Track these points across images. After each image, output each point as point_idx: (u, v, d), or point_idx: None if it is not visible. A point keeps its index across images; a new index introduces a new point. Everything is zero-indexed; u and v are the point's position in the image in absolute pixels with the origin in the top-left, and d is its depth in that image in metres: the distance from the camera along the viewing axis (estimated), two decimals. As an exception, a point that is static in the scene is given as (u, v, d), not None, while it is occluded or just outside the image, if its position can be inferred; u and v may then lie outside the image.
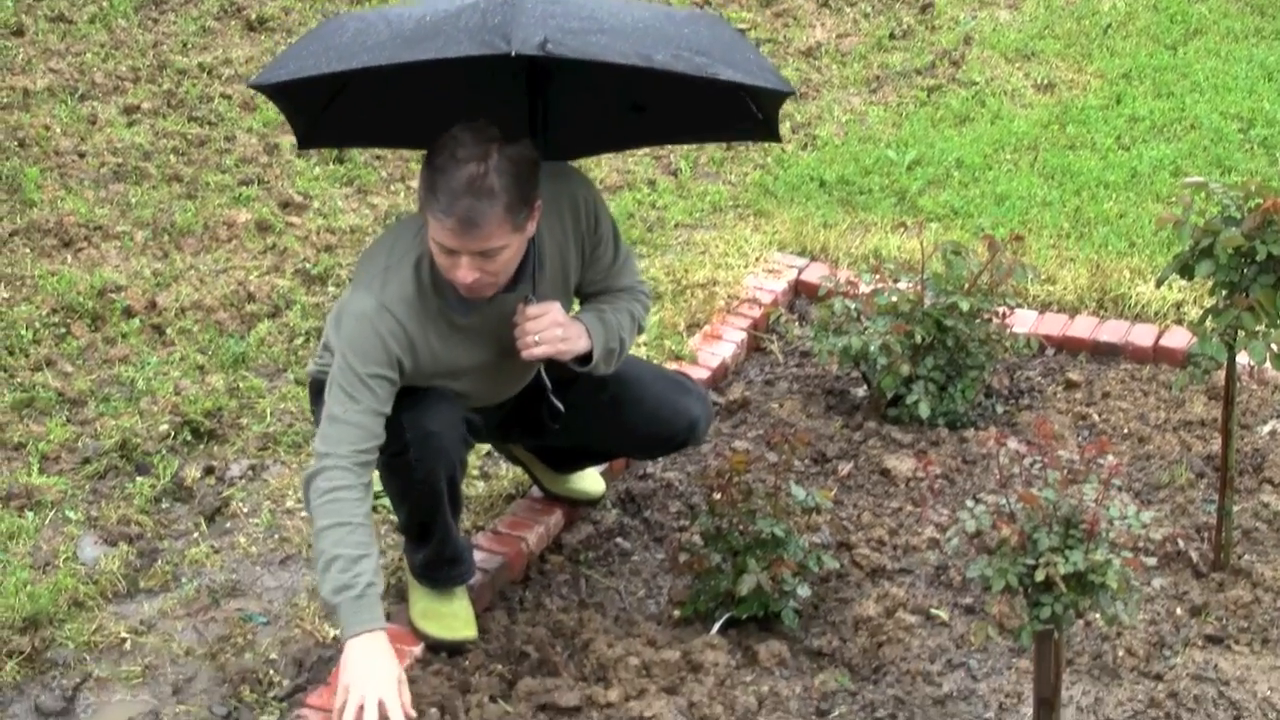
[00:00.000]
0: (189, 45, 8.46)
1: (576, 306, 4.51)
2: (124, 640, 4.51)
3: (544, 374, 4.51)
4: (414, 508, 4.35)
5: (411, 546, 4.48)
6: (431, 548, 4.42)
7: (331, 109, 4.42)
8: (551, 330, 4.20)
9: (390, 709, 3.81)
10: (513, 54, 3.73)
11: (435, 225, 3.94)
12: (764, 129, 4.63)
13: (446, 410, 4.24)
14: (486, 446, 5.15)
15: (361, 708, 3.77)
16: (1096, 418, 5.54)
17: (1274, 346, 4.23)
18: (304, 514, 5.02)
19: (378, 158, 7.65)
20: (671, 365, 5.67)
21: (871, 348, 5.39)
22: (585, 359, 4.33)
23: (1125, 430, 5.46)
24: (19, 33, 8.43)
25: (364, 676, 3.83)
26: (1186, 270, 4.30)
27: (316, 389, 4.36)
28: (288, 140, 7.61)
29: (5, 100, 7.73)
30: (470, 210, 3.88)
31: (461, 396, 4.32)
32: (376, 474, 4.20)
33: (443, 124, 4.04)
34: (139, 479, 5.18)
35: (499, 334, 4.25)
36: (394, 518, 4.64)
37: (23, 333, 5.93)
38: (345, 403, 4.05)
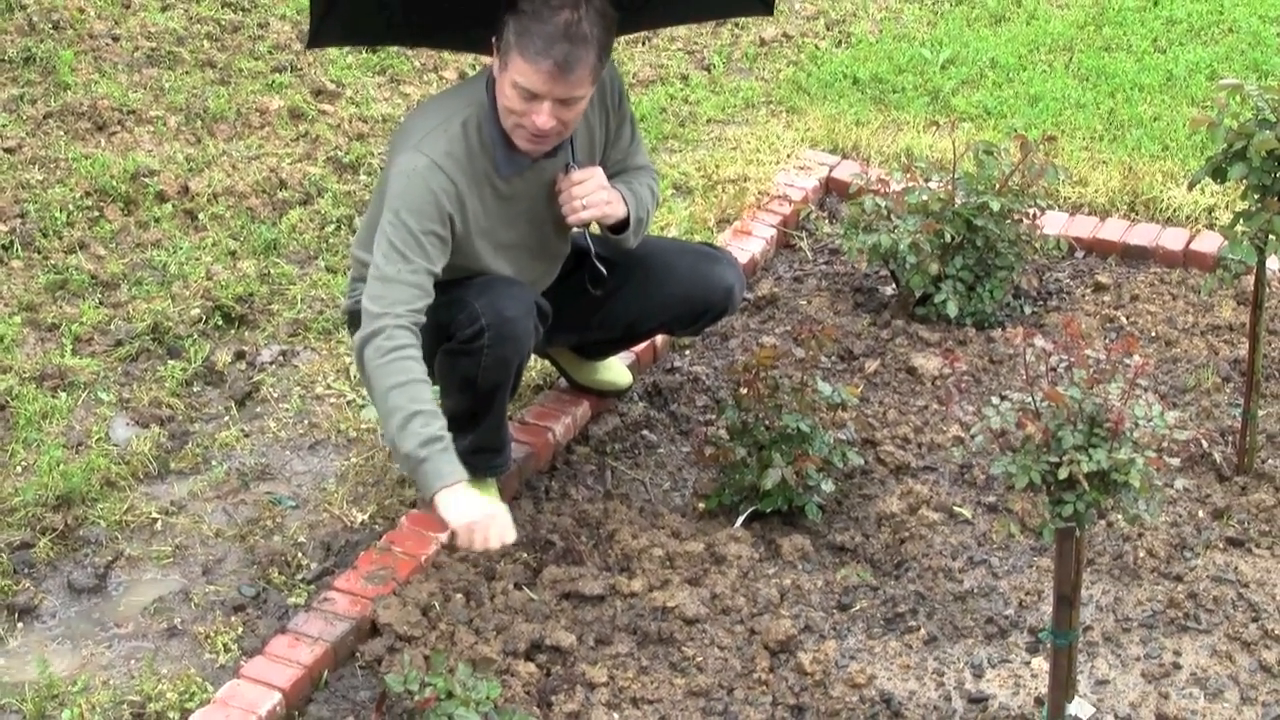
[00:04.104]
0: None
1: None
2: (155, 520, 4.55)
3: (589, 237, 4.53)
4: (475, 394, 4.31)
5: (455, 434, 4.47)
6: (479, 434, 4.40)
7: (339, 4, 4.40)
8: (597, 193, 4.27)
9: (509, 539, 3.91)
10: None
11: (525, 69, 3.95)
12: (761, 4, 4.75)
13: (521, 295, 4.25)
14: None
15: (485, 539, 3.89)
16: (1124, 320, 5.52)
17: (1305, 251, 4.21)
18: (333, 401, 5.05)
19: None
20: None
21: (901, 246, 5.38)
22: (619, 228, 4.39)
23: (1153, 333, 5.45)
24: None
25: (483, 514, 3.88)
26: (1219, 173, 4.27)
27: (355, 320, 4.34)
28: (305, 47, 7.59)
29: (40, -17, 7.72)
30: (567, 55, 3.92)
31: None
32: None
33: (441, 20, 4.06)
34: (170, 362, 5.21)
35: (540, 204, 4.31)
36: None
37: (56, 215, 5.94)
38: (399, 261, 4.04)
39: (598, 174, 4.30)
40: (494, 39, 4.05)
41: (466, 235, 4.18)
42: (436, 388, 4.20)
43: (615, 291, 4.62)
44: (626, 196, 4.38)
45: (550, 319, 4.41)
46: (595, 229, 4.53)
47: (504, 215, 4.26)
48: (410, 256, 4.04)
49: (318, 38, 4.44)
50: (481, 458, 4.44)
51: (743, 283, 4.82)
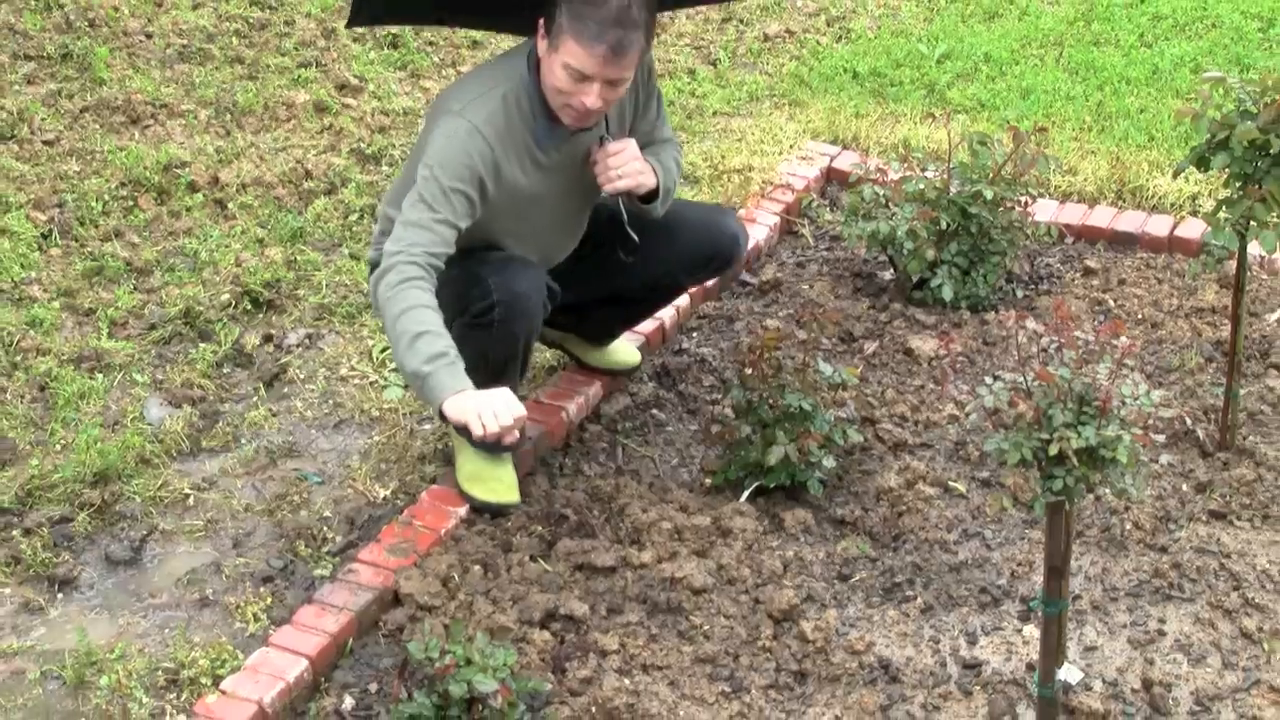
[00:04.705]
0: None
1: None
2: (187, 496, 4.55)
3: (623, 206, 4.54)
4: (488, 366, 4.26)
5: None
6: None
7: None
8: (631, 164, 4.30)
9: (519, 412, 3.88)
10: None
11: (579, 53, 3.98)
12: None
13: (533, 274, 4.26)
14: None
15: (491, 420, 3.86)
16: (1112, 303, 5.51)
17: (1285, 237, 4.20)
18: (357, 382, 5.05)
19: (430, 43, 7.60)
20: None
21: (899, 233, 5.37)
22: (648, 197, 4.43)
23: (1139, 315, 5.43)
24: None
25: (484, 397, 3.87)
26: (1203, 162, 4.26)
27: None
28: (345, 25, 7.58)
29: (76, -17, 7.71)
30: (621, 39, 3.97)
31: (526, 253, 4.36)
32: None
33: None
34: (202, 345, 5.21)
35: (574, 176, 4.33)
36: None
37: (93, 204, 5.95)
38: (424, 210, 4.04)
39: (631, 146, 4.32)
40: (540, 20, 4.07)
41: (499, 201, 4.19)
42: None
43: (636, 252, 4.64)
44: (656, 168, 4.41)
45: (559, 298, 4.39)
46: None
47: (540, 182, 4.27)
48: (436, 207, 4.04)
49: (358, 16, 4.44)
50: None
51: (746, 236, 4.85)
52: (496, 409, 3.85)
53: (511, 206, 4.25)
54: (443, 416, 3.93)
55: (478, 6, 4.47)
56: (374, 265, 4.35)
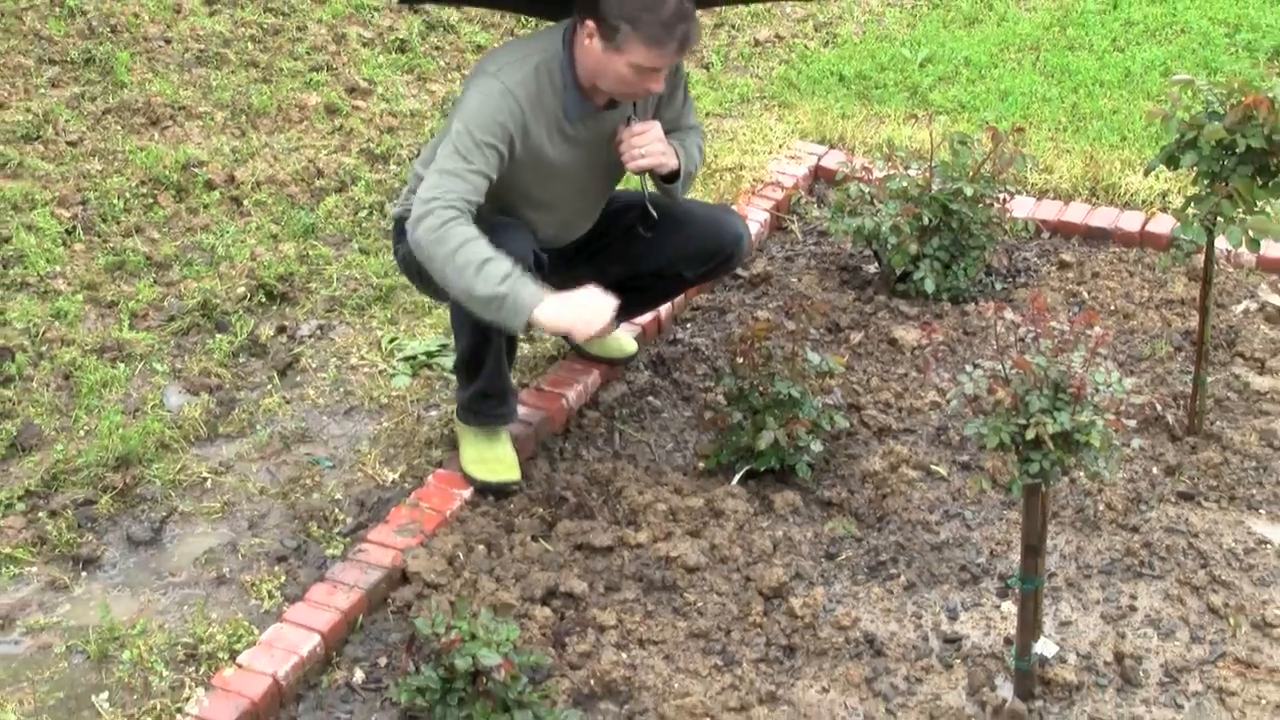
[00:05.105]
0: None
1: None
2: (205, 479, 4.55)
3: (647, 183, 4.54)
4: (473, 333, 4.27)
5: (462, 384, 4.46)
6: (481, 380, 4.39)
7: None
8: (654, 144, 4.31)
9: (613, 304, 4.01)
10: None
11: (651, 54, 4.03)
12: None
13: (522, 239, 4.23)
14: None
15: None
16: (1086, 295, 5.51)
17: (1249, 232, 4.20)
18: (366, 371, 5.05)
19: (437, 48, 7.60)
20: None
21: (883, 228, 5.37)
22: (670, 178, 4.44)
23: (1112, 307, 5.44)
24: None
25: (579, 303, 3.97)
26: (1172, 161, 4.26)
27: (401, 228, 4.37)
28: (354, 31, 7.58)
29: (98, -10, 7.71)
30: (687, 33, 4.04)
31: (539, 229, 4.36)
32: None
33: None
34: (218, 336, 5.21)
35: (598, 152, 4.33)
36: (453, 377, 4.62)
37: (115, 202, 5.94)
38: (457, 160, 4.04)
39: (656, 127, 4.34)
40: (588, 21, 4.07)
41: (524, 163, 4.20)
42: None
43: (646, 238, 4.65)
44: (679, 151, 4.42)
45: (546, 269, 4.35)
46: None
47: (565, 154, 4.28)
48: (470, 158, 4.05)
49: None
50: (488, 404, 4.44)
51: (750, 237, 4.84)
52: (591, 320, 3.95)
53: (534, 173, 4.24)
54: (528, 329, 4.01)
55: None
56: (399, 219, 4.39)
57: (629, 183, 4.81)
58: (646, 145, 4.30)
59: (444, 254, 3.93)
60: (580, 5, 4.12)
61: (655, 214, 4.58)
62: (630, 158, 4.31)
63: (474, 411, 4.46)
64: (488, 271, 3.89)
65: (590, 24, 4.07)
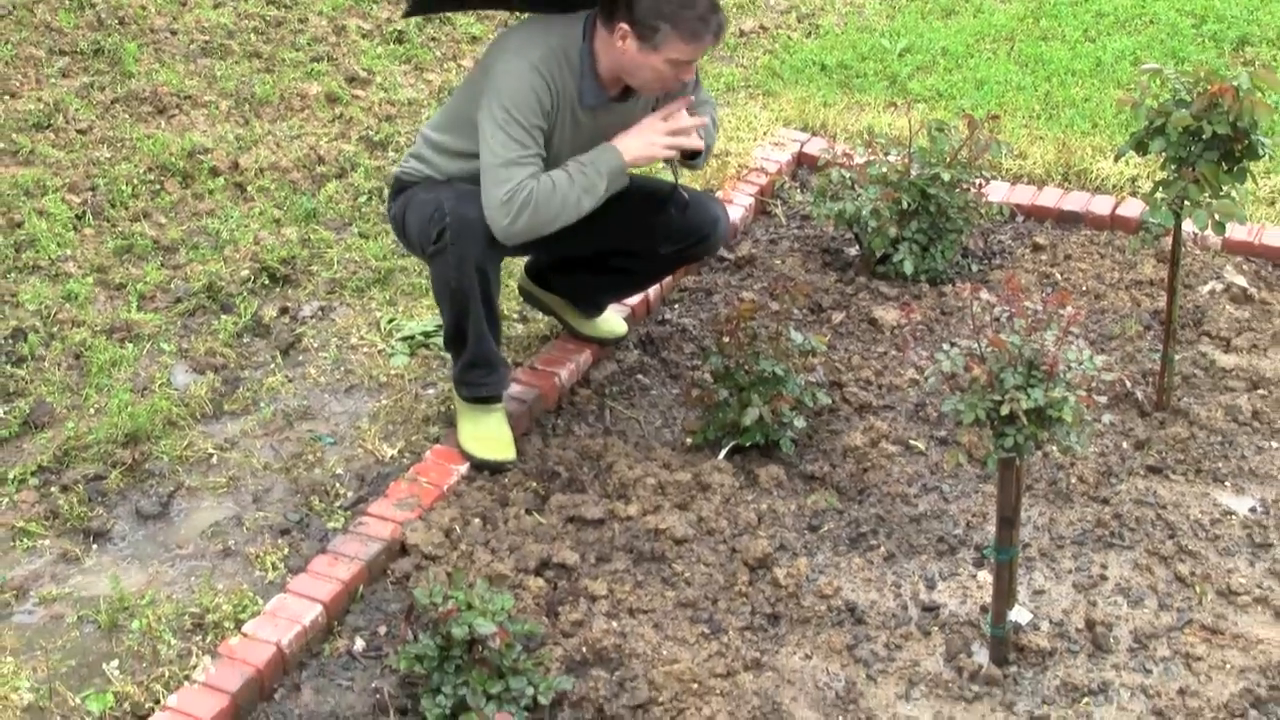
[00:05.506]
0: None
1: None
2: (211, 455, 4.53)
3: (675, 165, 4.51)
4: (451, 300, 4.24)
5: (454, 358, 4.44)
6: (468, 350, 4.35)
7: None
8: (691, 131, 4.29)
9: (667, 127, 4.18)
10: None
11: (688, 48, 4.02)
12: None
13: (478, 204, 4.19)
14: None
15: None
16: (1059, 276, 5.50)
17: (1215, 215, 4.19)
18: (366, 351, 5.03)
19: (433, 39, 7.56)
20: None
21: (863, 212, 5.35)
22: (692, 154, 4.42)
23: (1084, 287, 5.42)
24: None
25: (639, 131, 4.18)
26: (1141, 147, 4.24)
27: (399, 187, 4.36)
28: (354, 23, 7.55)
29: (106, -16, 7.66)
30: (720, 24, 4.05)
31: None
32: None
33: None
34: (223, 317, 5.18)
35: (601, 142, 4.27)
36: (449, 355, 4.59)
37: (123, 188, 5.91)
38: (516, 148, 4.06)
39: (682, 111, 4.29)
40: (621, 24, 4.03)
41: (548, 136, 4.18)
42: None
43: (626, 216, 4.58)
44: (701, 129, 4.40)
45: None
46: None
47: (573, 139, 4.24)
48: (527, 144, 4.07)
49: (417, 5, 4.41)
50: (476, 374, 4.41)
51: (728, 223, 4.82)
52: (659, 134, 4.13)
53: (554, 156, 4.22)
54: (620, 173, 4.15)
55: None
56: (398, 181, 4.40)
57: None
58: (684, 132, 4.26)
59: (549, 217, 4.08)
60: (605, 10, 4.07)
61: (686, 197, 4.56)
62: (672, 145, 4.26)
63: (465, 383, 4.43)
64: (575, 191, 4.07)
65: (624, 27, 4.02)
